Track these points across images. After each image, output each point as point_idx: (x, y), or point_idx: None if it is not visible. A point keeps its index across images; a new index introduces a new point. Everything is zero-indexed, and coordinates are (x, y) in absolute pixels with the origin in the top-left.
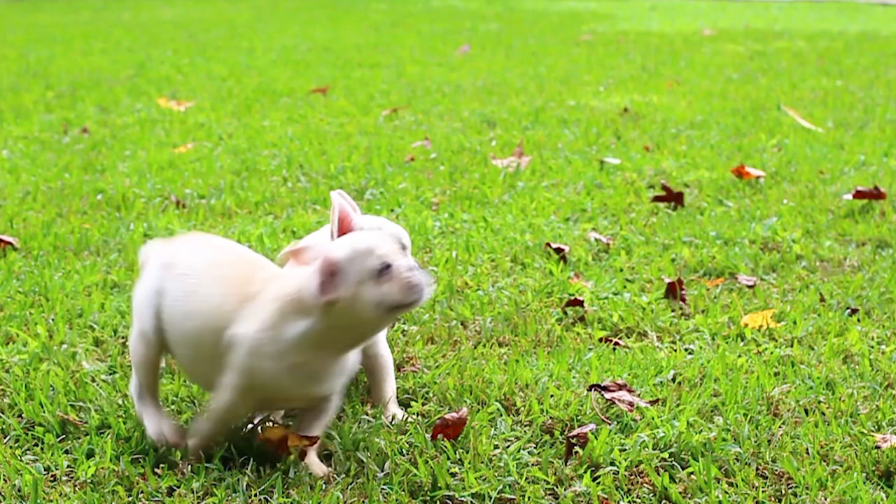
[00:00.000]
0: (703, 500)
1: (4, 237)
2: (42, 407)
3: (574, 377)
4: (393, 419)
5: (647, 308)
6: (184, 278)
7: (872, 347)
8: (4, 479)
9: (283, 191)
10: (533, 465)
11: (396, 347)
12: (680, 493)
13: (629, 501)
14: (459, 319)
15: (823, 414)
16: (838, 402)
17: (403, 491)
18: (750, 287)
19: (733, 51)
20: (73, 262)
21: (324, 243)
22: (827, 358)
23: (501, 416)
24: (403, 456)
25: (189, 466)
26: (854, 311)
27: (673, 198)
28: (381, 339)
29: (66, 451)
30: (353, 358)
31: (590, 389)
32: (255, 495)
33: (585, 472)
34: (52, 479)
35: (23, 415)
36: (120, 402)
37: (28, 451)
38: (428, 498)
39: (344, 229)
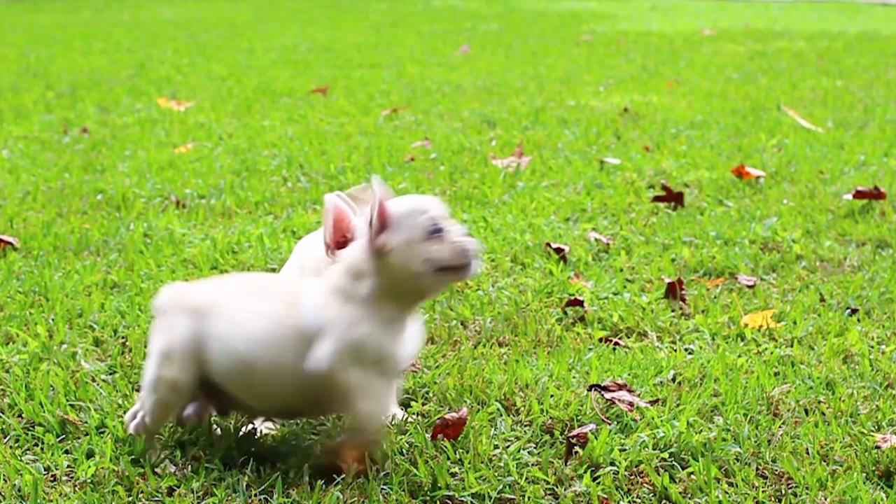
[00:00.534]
0: (703, 500)
1: (4, 237)
2: (42, 407)
3: (574, 377)
4: (393, 419)
5: (647, 308)
6: (226, 314)
7: (872, 347)
8: (4, 479)
9: (283, 191)
10: (533, 465)
11: None
12: (680, 493)
13: (629, 501)
14: (459, 319)
15: (823, 414)
16: (838, 402)
17: (403, 491)
18: (750, 287)
19: (733, 51)
20: (73, 262)
21: (321, 245)
22: (827, 358)
23: (501, 416)
24: (403, 456)
25: (189, 467)
26: (854, 311)
27: (673, 198)
28: None
29: (66, 451)
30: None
31: (590, 389)
32: (255, 495)
33: (585, 472)
34: (52, 479)
35: (23, 415)
36: (120, 402)
37: (28, 451)
38: (428, 498)
39: (342, 231)
